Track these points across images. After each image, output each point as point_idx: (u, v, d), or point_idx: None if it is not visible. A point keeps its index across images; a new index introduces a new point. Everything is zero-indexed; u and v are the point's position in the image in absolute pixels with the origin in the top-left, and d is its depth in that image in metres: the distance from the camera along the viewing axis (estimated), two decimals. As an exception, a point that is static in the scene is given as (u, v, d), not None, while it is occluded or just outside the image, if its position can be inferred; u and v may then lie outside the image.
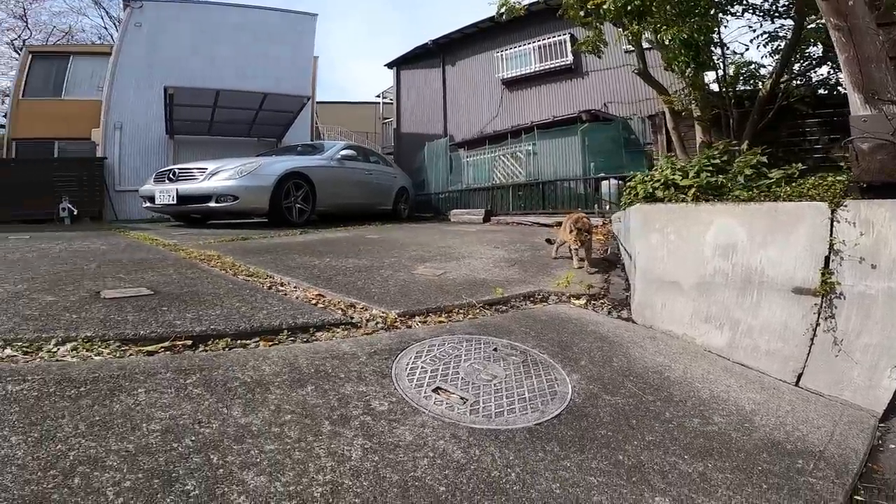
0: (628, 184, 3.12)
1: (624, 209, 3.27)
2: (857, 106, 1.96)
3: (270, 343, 1.88)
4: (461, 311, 2.43)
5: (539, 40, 10.69)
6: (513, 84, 11.40)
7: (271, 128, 10.90)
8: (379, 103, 18.95)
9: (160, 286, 2.46)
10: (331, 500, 1.05)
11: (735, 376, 1.99)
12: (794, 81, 4.40)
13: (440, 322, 2.26)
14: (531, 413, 1.50)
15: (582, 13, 4.46)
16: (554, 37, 10.40)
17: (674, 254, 2.34)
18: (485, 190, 9.54)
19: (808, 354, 1.95)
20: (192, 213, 6.30)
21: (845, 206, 1.86)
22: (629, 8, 3.82)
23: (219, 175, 5.63)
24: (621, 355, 2.02)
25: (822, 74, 4.43)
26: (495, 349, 1.93)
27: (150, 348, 1.70)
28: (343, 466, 1.16)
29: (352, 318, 2.19)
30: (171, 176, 6.01)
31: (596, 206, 6.81)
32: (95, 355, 1.61)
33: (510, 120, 11.03)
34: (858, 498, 1.35)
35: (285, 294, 2.53)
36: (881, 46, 1.83)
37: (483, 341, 2.00)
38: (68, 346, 1.65)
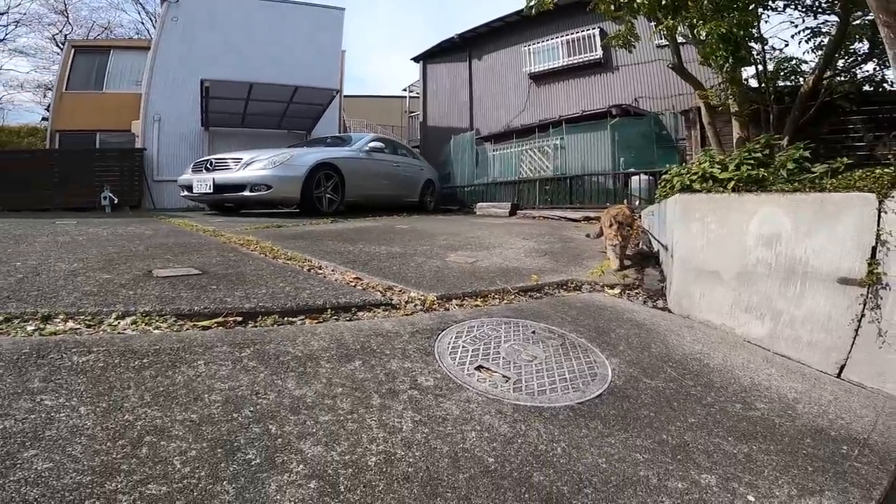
0: (664, 176, 3.10)
1: (659, 202, 3.24)
2: None
3: (316, 321, 1.96)
4: (496, 296, 2.47)
5: (567, 34, 10.57)
6: (540, 78, 11.31)
7: (301, 120, 11.11)
8: (405, 97, 19.10)
9: (207, 267, 2.57)
10: (385, 469, 1.09)
11: (776, 366, 1.97)
12: (838, 78, 4.27)
13: (476, 306, 2.31)
14: (573, 392, 1.54)
15: (613, 7, 4.39)
16: (583, 31, 10.28)
17: (714, 244, 2.32)
18: (511, 184, 9.54)
19: (852, 346, 1.91)
20: (226, 202, 6.53)
21: (893, 197, 1.81)
22: (664, 2, 3.76)
23: (253, 165, 5.81)
24: (659, 342, 2.03)
25: (867, 71, 4.29)
26: (533, 332, 1.96)
27: (204, 323, 1.79)
28: (395, 437, 1.21)
29: (391, 299, 2.25)
30: (208, 166, 6.23)
31: (625, 201, 6.71)
32: (154, 329, 1.69)
33: (538, 114, 10.96)
34: None
35: (324, 276, 2.61)
36: None
37: (521, 324, 2.04)
38: (128, 319, 1.74)
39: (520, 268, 3.07)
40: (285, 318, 1.92)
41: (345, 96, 14.78)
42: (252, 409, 1.23)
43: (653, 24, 4.32)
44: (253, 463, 1.04)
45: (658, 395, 1.59)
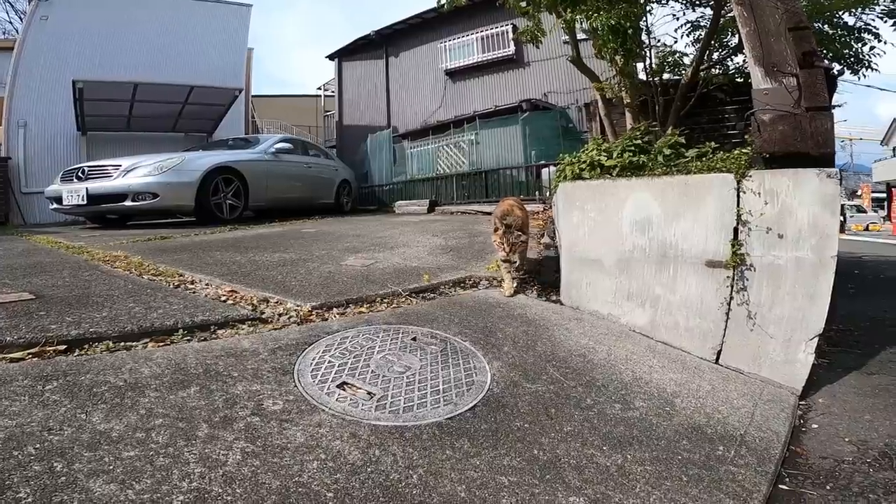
0: (557, 166, 3.10)
1: (554, 191, 3.25)
2: (759, 79, 1.99)
3: (161, 344, 1.68)
4: (385, 300, 2.29)
5: (482, 31, 10.68)
6: (456, 74, 11.37)
7: (200, 122, 10.30)
8: (321, 96, 18.36)
9: (46, 290, 2.18)
10: None
11: (658, 356, 1.98)
12: (713, 70, 4.59)
13: (360, 313, 2.12)
14: (443, 406, 1.40)
15: (523, 3, 4.43)
16: (497, 27, 10.43)
17: (595, 231, 2.32)
18: (429, 180, 9.49)
19: (725, 330, 1.97)
20: (107, 213, 5.88)
21: (750, 176, 1.88)
22: None
23: (136, 171, 5.26)
24: (545, 339, 1.97)
25: (738, 63, 4.65)
26: (414, 338, 1.81)
27: (15, 355, 1.50)
28: (214, 472, 1.03)
29: (262, 313, 2.01)
30: (79, 174, 5.51)
31: (537, 192, 6.90)
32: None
33: (454, 110, 11.01)
34: (783, 487, 1.31)
35: (193, 292, 2.30)
36: (780, 19, 1.86)
37: (401, 331, 1.88)
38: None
39: (419, 267, 2.92)
40: (122, 344, 1.64)
41: (255, 96, 13.95)
42: (38, 446, 1.04)
43: (555, 18, 4.40)
44: (23, 502, 0.89)
45: (536, 401, 1.50)
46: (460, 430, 1.30)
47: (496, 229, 2.46)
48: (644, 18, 4.19)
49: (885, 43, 4.21)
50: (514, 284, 2.51)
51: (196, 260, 3.10)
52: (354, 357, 1.62)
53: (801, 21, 1.89)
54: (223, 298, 2.21)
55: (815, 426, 1.67)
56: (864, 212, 24.53)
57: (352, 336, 1.79)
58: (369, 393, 1.42)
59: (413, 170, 10.21)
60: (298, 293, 2.29)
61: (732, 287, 1.93)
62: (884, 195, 25.96)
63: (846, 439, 1.57)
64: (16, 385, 1.26)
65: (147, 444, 1.09)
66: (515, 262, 2.51)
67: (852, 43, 4.27)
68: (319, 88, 18.19)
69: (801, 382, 1.85)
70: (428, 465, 1.15)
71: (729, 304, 1.95)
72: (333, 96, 14.82)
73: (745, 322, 1.93)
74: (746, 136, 2.33)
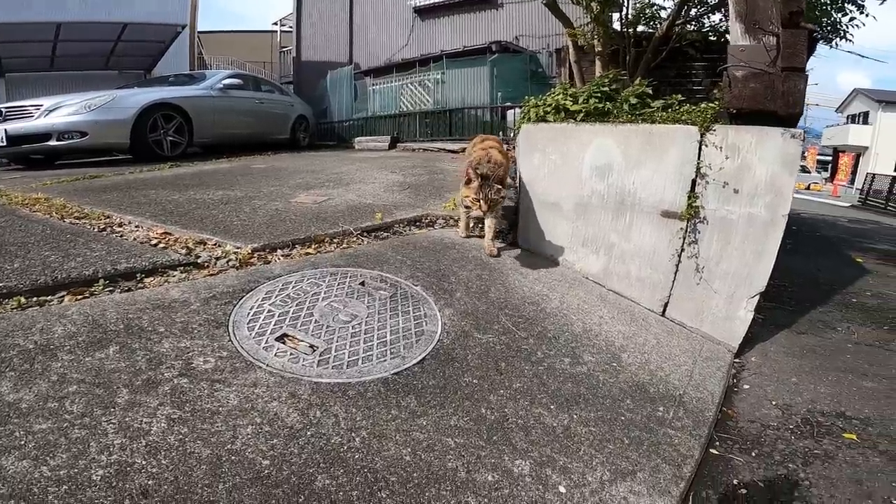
0: (522, 108, 2.96)
1: (515, 134, 3.12)
2: (738, 35, 1.91)
3: (80, 296, 1.51)
4: (334, 240, 2.18)
5: None
6: (426, 12, 10.68)
7: (136, 59, 9.43)
8: (276, 31, 17.25)
9: None
10: (114, 484, 0.86)
11: (608, 305, 2.00)
12: (688, 26, 4.49)
13: (307, 254, 2.00)
14: (391, 360, 1.35)
15: None
16: None
17: (555, 174, 2.26)
18: (392, 117, 9.17)
19: (674, 282, 2.00)
20: (30, 154, 5.52)
21: (714, 130, 1.84)
22: None
23: (60, 111, 4.97)
24: (500, 284, 1.93)
25: (714, 22, 4.57)
26: (362, 283, 1.73)
27: None
28: (137, 443, 0.95)
29: (197, 257, 1.85)
30: (-3, 116, 5.06)
31: (501, 133, 6.78)
32: None
33: (420, 49, 10.47)
34: (714, 451, 1.36)
35: (120, 236, 2.10)
36: None
37: (350, 274, 1.78)
38: None
39: (374, 205, 2.78)
40: (35, 299, 1.47)
41: (207, 32, 12.64)
42: None
43: None
44: None
45: (487, 353, 1.48)
46: (407, 387, 1.26)
47: (468, 181, 2.01)
48: None
49: (866, 15, 4.20)
50: (495, 243, 2.18)
51: (127, 199, 2.82)
52: (297, 305, 1.53)
53: None
54: (154, 242, 2.02)
55: (747, 387, 1.74)
56: (808, 172, 25.89)
57: (295, 281, 1.68)
58: (311, 346, 1.34)
59: (375, 107, 9.78)
60: (240, 234, 2.13)
61: (684, 239, 1.94)
62: (829, 158, 27.33)
63: (773, 402, 1.64)
64: None
65: (61, 415, 0.99)
66: (492, 226, 2.18)
67: (832, 12, 4.25)
68: (276, 23, 17.11)
69: (738, 339, 1.92)
70: (372, 426, 1.11)
71: (679, 256, 1.97)
72: (291, 32, 13.83)
73: (692, 275, 1.96)
74: (715, 92, 2.26)
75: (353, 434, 1.07)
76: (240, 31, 20.12)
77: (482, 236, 2.28)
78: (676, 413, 1.41)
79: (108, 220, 2.36)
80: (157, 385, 1.11)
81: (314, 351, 1.33)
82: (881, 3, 4.13)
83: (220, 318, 1.41)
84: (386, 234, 2.36)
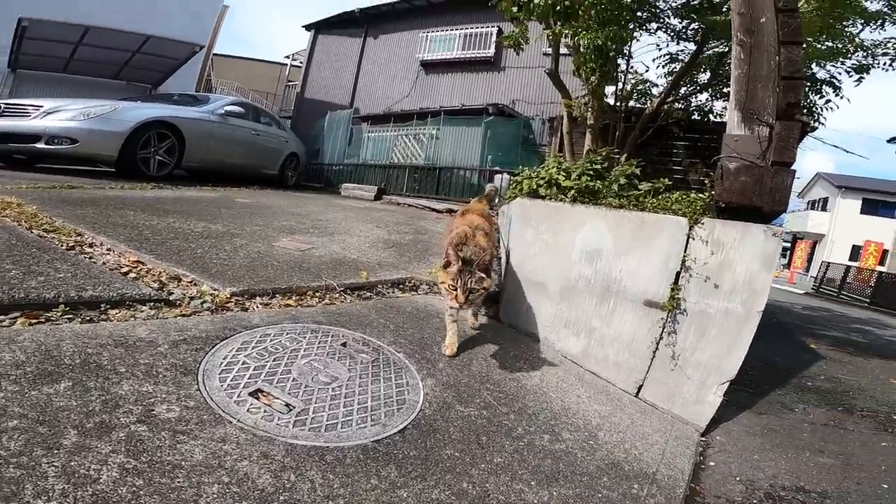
0: (515, 178, 3.07)
1: (508, 202, 3.22)
2: (734, 124, 1.98)
3: (35, 321, 1.40)
4: (317, 294, 2.12)
5: (467, 28, 10.63)
6: (431, 67, 11.24)
7: (147, 73, 9.49)
8: (286, 64, 17.93)
9: None
10: None
11: (586, 385, 1.99)
12: (677, 104, 4.79)
13: (287, 306, 1.93)
14: (371, 427, 1.28)
15: (515, 8, 4.41)
16: (482, 27, 10.42)
17: (545, 252, 2.30)
18: (381, 167, 9.30)
19: (650, 367, 2.02)
20: (14, 153, 5.35)
21: (702, 223, 1.93)
22: (558, 7, 3.86)
23: (57, 114, 4.89)
24: (482, 358, 1.90)
25: (700, 101, 4.88)
26: (344, 344, 1.67)
27: None
28: (82, 491, 0.86)
29: (170, 293, 1.76)
30: (-7, 109, 4.99)
31: (486, 199, 6.92)
32: None
33: (421, 102, 10.89)
34: None
35: (90, 258, 1.98)
36: (775, 66, 1.87)
37: (332, 333, 1.72)
38: None
39: (358, 260, 2.75)
40: None
41: (216, 55, 12.97)
42: None
43: (544, 28, 4.40)
44: None
45: (469, 426, 1.43)
46: (388, 456, 1.19)
47: (447, 264, 1.75)
48: (628, 43, 4.28)
49: (841, 98, 4.36)
50: (454, 340, 1.84)
51: (102, 218, 2.70)
52: (275, 360, 1.45)
53: (796, 70, 1.85)
54: (125, 270, 1.92)
55: (713, 463, 1.78)
56: None
57: (274, 334, 1.61)
58: (288, 405, 1.27)
59: (367, 154, 9.93)
60: (218, 274, 2.05)
61: (664, 328, 1.98)
62: (789, 244, 27.84)
63: (737, 478, 1.69)
64: None
65: None
66: (467, 319, 2.00)
67: (810, 94, 4.41)
68: (287, 57, 17.78)
69: (706, 421, 1.96)
70: (350, 495, 1.03)
71: (658, 343, 2.00)
72: (300, 67, 14.43)
73: (668, 362, 1.99)
74: (706, 181, 2.31)
75: (329, 502, 0.99)
76: (251, 59, 20.64)
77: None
78: (650, 490, 1.41)
79: (78, 237, 2.23)
80: (112, 430, 1.01)
81: (290, 410, 1.25)
82: (857, 85, 4.32)
83: (189, 364, 1.32)
84: (369, 293, 2.32)
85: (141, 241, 2.34)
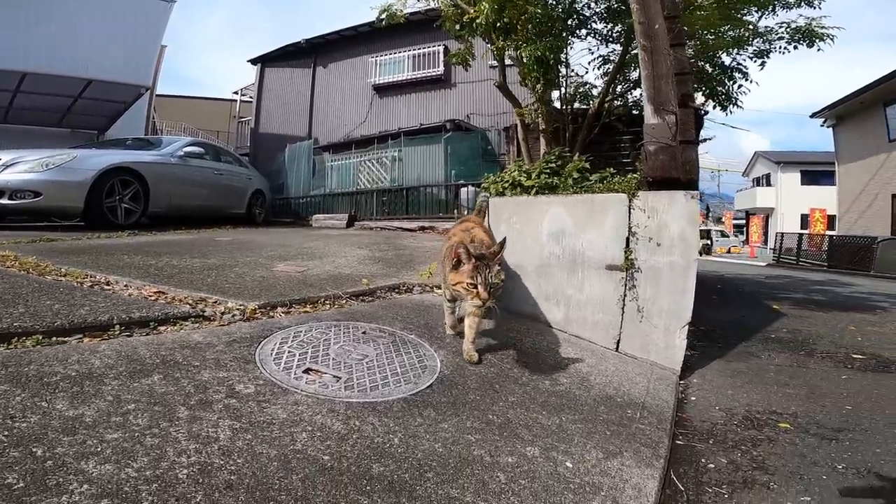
0: (482, 185, 3.44)
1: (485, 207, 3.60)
2: (650, 116, 2.46)
3: (99, 339, 1.61)
4: (327, 301, 2.38)
5: (415, 49, 11.08)
6: (384, 90, 11.59)
7: (92, 118, 9.29)
8: (236, 101, 17.66)
9: None
10: (201, 480, 0.97)
11: (572, 345, 2.34)
12: (616, 102, 5.30)
13: (305, 312, 2.19)
14: (405, 385, 1.57)
15: (458, 27, 4.81)
16: (429, 47, 10.89)
17: (519, 240, 2.66)
18: (349, 195, 9.48)
19: (622, 322, 2.40)
20: None
21: (638, 196, 2.36)
22: (498, 25, 4.29)
23: (16, 167, 4.74)
24: (480, 333, 2.21)
25: (636, 96, 5.33)
26: (364, 332, 1.95)
27: None
28: (210, 447, 1.08)
29: (203, 311, 1.98)
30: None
31: (455, 211, 7.29)
32: None
33: (379, 125, 11.18)
34: (679, 442, 1.69)
35: (113, 292, 2.16)
36: (670, 65, 2.36)
37: (351, 326, 2.00)
38: None
39: (353, 274, 3.03)
40: (53, 339, 1.54)
41: (158, 95, 12.84)
42: (6, 433, 0.99)
43: (488, 44, 4.82)
44: (15, 488, 0.86)
45: (483, 379, 1.73)
46: (425, 403, 1.48)
47: (457, 262, 1.69)
48: (564, 51, 4.75)
49: (751, 81, 5.01)
50: (476, 344, 1.84)
51: (101, 262, 2.83)
52: (313, 348, 1.72)
53: (684, 68, 2.38)
54: (152, 298, 2.12)
55: (693, 398, 2.12)
56: (727, 236, 27.65)
57: (304, 330, 1.87)
58: (335, 376, 1.54)
59: (332, 183, 10.11)
60: (237, 294, 2.28)
61: (626, 286, 2.37)
62: (744, 221, 29.16)
63: (717, 408, 2.01)
64: (-55, 379, 1.16)
65: (128, 427, 1.09)
66: (474, 325, 1.83)
67: (725, 81, 5.04)
68: (236, 93, 17.54)
69: (679, 364, 2.31)
70: (404, 430, 1.31)
71: (624, 300, 2.38)
72: (251, 102, 14.36)
73: (636, 315, 2.37)
74: (637, 163, 2.81)
75: (390, 436, 1.27)
76: (197, 98, 20.36)
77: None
78: (643, 414, 1.74)
79: (93, 279, 2.37)
80: (211, 404, 1.25)
81: (338, 380, 1.52)
82: (761, 69, 4.97)
83: (246, 356, 1.57)
84: (371, 297, 2.59)
85: (151, 276, 2.51)
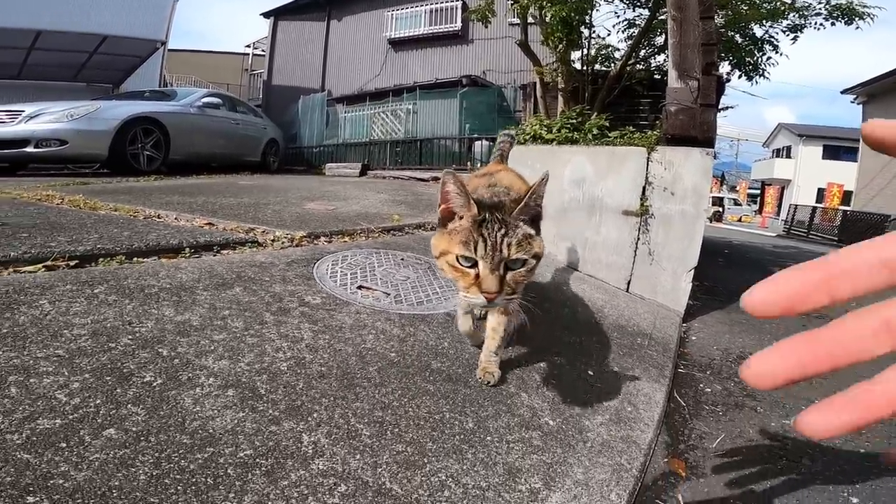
0: (503, 133, 3.55)
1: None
2: (673, 80, 2.59)
3: (172, 259, 1.82)
4: (362, 233, 2.59)
5: (432, 4, 10.80)
6: (399, 44, 11.39)
7: (107, 73, 9.37)
8: (248, 54, 17.52)
9: (3, 218, 2.09)
10: (299, 371, 1.16)
11: (587, 283, 2.56)
12: (638, 66, 5.23)
13: (345, 241, 2.39)
14: (445, 303, 1.79)
15: None
16: (447, 2, 10.62)
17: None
18: (362, 145, 9.59)
19: (633, 264, 2.60)
20: (2, 160, 5.37)
21: (656, 150, 2.51)
22: None
23: (41, 118, 4.99)
24: (505, 267, 2.44)
25: (659, 61, 5.29)
26: (402, 259, 2.16)
27: (28, 269, 1.51)
28: (299, 345, 1.28)
29: (255, 238, 2.20)
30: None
31: (469, 163, 7.39)
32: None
33: (393, 79, 11.09)
34: (681, 370, 1.93)
35: (168, 223, 2.37)
36: (698, 35, 2.46)
37: (390, 254, 2.21)
38: None
39: (380, 213, 3.22)
40: (135, 260, 1.74)
41: (174, 50, 12.69)
42: (131, 337, 1.14)
43: (510, 2, 4.71)
44: (155, 384, 0.98)
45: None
46: (464, 318, 1.71)
47: (447, 216, 1.07)
48: (589, 13, 4.71)
49: (780, 54, 5.00)
50: (498, 359, 1.31)
51: (143, 200, 3.00)
52: (360, 269, 1.94)
53: (710, 39, 2.49)
54: (206, 228, 2.33)
55: (694, 338, 2.35)
56: (740, 204, 27.16)
57: (350, 255, 2.08)
58: (385, 293, 1.76)
59: (346, 134, 10.21)
60: (280, 225, 2.48)
61: (640, 230, 2.56)
62: (759, 191, 28.86)
63: (714, 348, 2.25)
64: (61, 290, 1.30)
65: (230, 330, 1.26)
66: (499, 328, 1.28)
67: (755, 52, 5.01)
68: (248, 46, 17.36)
69: (682, 307, 2.53)
70: (451, 337, 1.54)
71: (636, 243, 2.58)
72: (263, 55, 14.15)
73: (647, 258, 2.58)
74: (657, 124, 2.93)
75: (441, 340, 1.50)
76: (205, 52, 20.05)
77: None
78: (650, 342, 1.98)
79: (143, 213, 2.55)
80: (289, 311, 1.47)
81: (388, 296, 1.74)
82: (793, 43, 4.93)
83: (306, 274, 1.79)
84: (400, 233, 2.79)
85: (196, 211, 2.71)
